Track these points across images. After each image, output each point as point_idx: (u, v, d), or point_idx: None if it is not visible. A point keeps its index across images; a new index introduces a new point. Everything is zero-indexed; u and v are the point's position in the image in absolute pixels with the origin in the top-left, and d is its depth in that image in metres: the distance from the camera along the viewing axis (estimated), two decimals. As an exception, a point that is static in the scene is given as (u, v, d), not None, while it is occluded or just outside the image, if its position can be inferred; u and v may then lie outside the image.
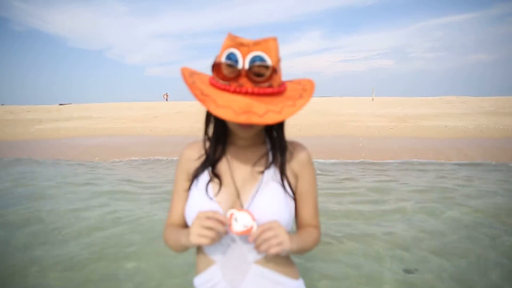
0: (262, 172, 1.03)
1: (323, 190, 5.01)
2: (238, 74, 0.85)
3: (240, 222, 0.91)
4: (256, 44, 0.85)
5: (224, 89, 0.86)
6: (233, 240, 1.00)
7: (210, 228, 0.88)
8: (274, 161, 1.05)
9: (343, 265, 2.83)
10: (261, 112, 0.79)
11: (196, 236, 0.89)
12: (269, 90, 0.87)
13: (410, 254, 3.03)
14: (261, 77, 0.85)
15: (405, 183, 5.53)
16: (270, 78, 0.86)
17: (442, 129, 11.92)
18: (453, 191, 4.99)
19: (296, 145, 1.10)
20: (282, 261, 1.06)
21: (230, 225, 0.91)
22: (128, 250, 3.16)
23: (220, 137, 1.08)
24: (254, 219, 0.91)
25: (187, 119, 15.62)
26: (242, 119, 0.79)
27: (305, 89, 0.91)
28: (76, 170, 7.25)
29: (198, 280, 1.09)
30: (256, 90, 0.85)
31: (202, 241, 0.88)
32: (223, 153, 1.08)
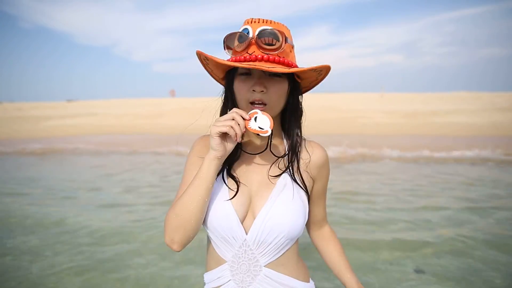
0: (279, 176, 1.03)
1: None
2: (249, 44, 0.91)
3: (258, 122, 0.92)
4: (267, 22, 0.94)
5: (235, 60, 0.92)
6: (246, 244, 1.00)
7: (231, 119, 0.90)
8: (290, 165, 1.05)
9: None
10: (268, 66, 0.87)
11: (216, 126, 0.90)
12: (278, 58, 0.91)
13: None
14: (271, 46, 0.90)
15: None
16: (279, 47, 0.91)
17: (455, 126, 11.59)
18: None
19: (314, 146, 1.11)
20: (293, 264, 1.07)
21: (248, 120, 0.93)
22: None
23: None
24: (271, 127, 0.92)
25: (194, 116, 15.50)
26: (248, 65, 0.85)
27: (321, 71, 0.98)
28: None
29: (207, 277, 1.09)
30: (266, 56, 0.90)
31: (221, 129, 0.89)
32: (240, 153, 1.07)
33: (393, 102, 21.08)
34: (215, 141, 0.91)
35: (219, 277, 1.05)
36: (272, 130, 0.95)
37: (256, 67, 0.85)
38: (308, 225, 1.21)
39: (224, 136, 0.92)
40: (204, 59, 0.99)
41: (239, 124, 0.90)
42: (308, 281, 1.14)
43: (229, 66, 0.99)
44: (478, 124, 11.77)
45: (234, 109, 0.93)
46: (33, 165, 7.74)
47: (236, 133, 0.90)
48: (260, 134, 0.92)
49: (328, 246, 1.20)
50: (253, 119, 0.93)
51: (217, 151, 0.92)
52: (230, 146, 0.95)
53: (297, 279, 1.07)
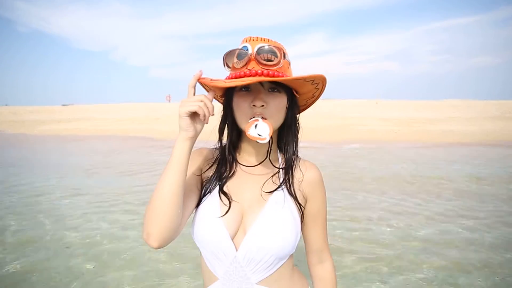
0: (271, 193, 1.02)
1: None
2: (248, 60, 0.93)
3: (258, 129, 0.94)
4: (265, 40, 0.97)
5: (235, 77, 0.93)
6: (236, 260, 0.98)
7: (199, 101, 0.90)
8: (283, 182, 1.04)
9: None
10: (266, 79, 0.89)
11: (184, 106, 0.89)
12: (278, 74, 0.92)
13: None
14: (270, 62, 0.92)
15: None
16: (278, 63, 0.93)
17: (448, 134, 11.76)
18: None
19: (308, 165, 1.09)
20: (287, 279, 1.04)
21: (247, 128, 0.94)
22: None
23: (233, 152, 1.08)
24: (270, 134, 0.94)
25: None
26: (249, 81, 0.86)
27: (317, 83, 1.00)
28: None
29: None
30: (265, 72, 0.91)
31: (190, 108, 0.89)
32: (236, 168, 1.07)
33: (388, 109, 21.31)
34: (185, 121, 0.90)
35: None
36: (271, 138, 0.95)
37: (258, 80, 0.87)
38: (306, 253, 1.17)
39: (193, 116, 0.91)
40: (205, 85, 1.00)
41: (207, 107, 0.90)
42: None
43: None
44: (470, 132, 11.94)
45: (202, 94, 0.94)
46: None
47: (205, 113, 0.90)
48: (258, 141, 0.93)
49: None
50: (253, 126, 0.94)
51: (188, 132, 0.91)
52: (199, 127, 0.94)
53: None
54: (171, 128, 13.90)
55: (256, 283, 0.99)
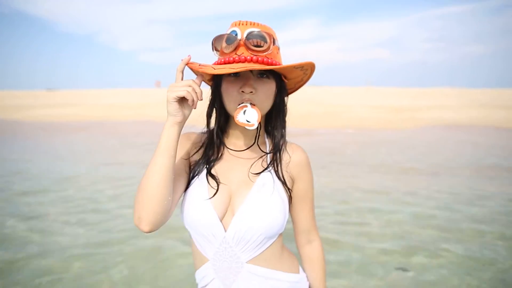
0: (258, 174, 1.04)
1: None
2: (237, 45, 0.92)
3: (247, 115, 0.94)
4: (254, 24, 0.96)
5: (224, 62, 0.92)
6: (225, 241, 1.00)
7: (188, 86, 0.90)
8: (271, 163, 1.06)
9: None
10: (258, 67, 0.88)
11: (173, 91, 0.89)
12: (267, 60, 0.92)
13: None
14: (259, 48, 0.91)
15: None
16: (267, 49, 0.92)
17: (438, 121, 11.93)
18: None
19: (295, 148, 1.11)
20: (277, 257, 1.07)
21: (236, 114, 0.94)
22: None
23: (221, 136, 1.09)
24: (259, 121, 0.94)
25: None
26: (239, 68, 0.85)
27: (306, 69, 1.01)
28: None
29: (196, 276, 1.11)
30: (254, 58, 0.90)
31: (179, 93, 0.88)
32: (222, 153, 1.08)
33: (379, 96, 21.44)
34: (173, 106, 0.89)
35: (204, 276, 1.06)
36: (259, 124, 0.96)
37: (248, 68, 0.86)
38: (295, 234, 1.20)
39: (181, 101, 0.91)
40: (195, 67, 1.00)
41: (196, 92, 0.90)
42: (298, 272, 1.14)
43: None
44: (458, 119, 12.15)
45: (190, 79, 0.93)
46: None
47: (193, 98, 0.90)
48: (246, 127, 0.93)
49: (312, 268, 1.19)
50: (242, 112, 0.94)
51: (176, 117, 0.91)
52: (187, 112, 0.93)
53: (283, 271, 1.08)
54: (163, 114, 13.69)
55: (246, 262, 1.02)
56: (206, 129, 1.10)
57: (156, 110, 14.97)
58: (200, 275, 1.08)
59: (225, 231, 1.00)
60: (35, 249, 2.87)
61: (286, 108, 1.09)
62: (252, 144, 1.08)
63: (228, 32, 0.95)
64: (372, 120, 12.18)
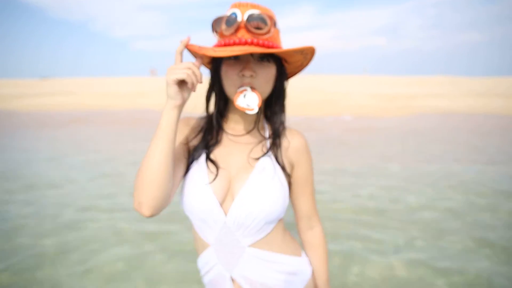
0: (258, 159, 1.04)
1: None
2: (237, 28, 0.90)
3: (247, 99, 0.93)
4: (254, 6, 0.93)
5: (224, 45, 0.91)
6: (226, 226, 1.00)
7: (188, 68, 0.88)
8: (271, 148, 1.06)
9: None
10: (259, 50, 0.87)
11: (172, 74, 0.87)
12: (268, 43, 0.91)
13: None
14: (260, 30, 0.90)
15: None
16: (268, 32, 0.91)
17: (433, 109, 11.98)
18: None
19: (294, 132, 1.11)
20: (278, 241, 1.08)
21: (236, 98, 0.94)
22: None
23: (220, 120, 1.08)
24: (259, 105, 0.94)
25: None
26: (240, 51, 0.84)
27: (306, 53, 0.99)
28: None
29: (199, 262, 1.11)
30: (255, 41, 0.90)
31: (179, 76, 0.87)
32: (221, 138, 1.08)
33: (375, 84, 21.41)
34: (173, 89, 0.88)
35: (206, 262, 1.06)
36: (259, 109, 0.95)
37: (249, 51, 0.85)
38: (296, 220, 1.21)
39: (180, 84, 0.90)
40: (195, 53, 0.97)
41: (196, 75, 0.89)
42: (300, 255, 1.15)
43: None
44: (454, 108, 12.20)
45: (190, 62, 0.91)
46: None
47: (193, 81, 0.89)
48: (247, 111, 0.93)
49: (314, 254, 1.20)
50: (242, 96, 0.93)
51: (176, 100, 0.89)
52: (186, 95, 0.92)
53: (285, 254, 1.09)
54: (160, 102, 13.58)
55: (248, 246, 1.03)
56: (205, 114, 1.09)
57: (153, 99, 14.79)
58: (203, 261, 1.08)
59: (225, 216, 1.00)
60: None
61: (286, 93, 1.08)
62: (251, 129, 1.07)
63: (228, 13, 0.93)
64: (370, 108, 12.19)
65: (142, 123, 10.11)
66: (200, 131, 1.09)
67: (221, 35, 0.93)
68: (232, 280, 1.05)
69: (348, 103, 13.32)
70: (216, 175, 1.00)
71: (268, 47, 0.91)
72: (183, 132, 1.07)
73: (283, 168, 1.05)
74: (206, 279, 1.12)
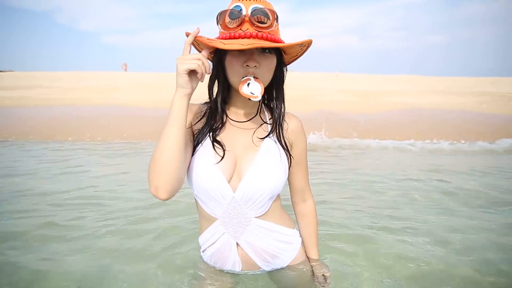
0: (262, 139, 1.11)
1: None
2: (242, 21, 0.94)
3: (251, 88, 0.97)
4: (257, 0, 0.97)
5: (230, 37, 0.94)
6: (234, 201, 1.07)
7: (197, 59, 0.91)
8: (274, 129, 1.13)
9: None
10: (267, 45, 0.91)
11: (184, 64, 0.90)
12: (271, 36, 0.95)
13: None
14: (263, 24, 0.94)
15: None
16: (271, 25, 0.95)
17: (400, 105, 12.64)
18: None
19: (291, 116, 1.19)
20: (277, 214, 1.20)
21: (240, 86, 0.98)
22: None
23: (223, 106, 1.13)
24: (262, 93, 0.98)
25: (150, 91, 14.84)
26: (249, 45, 0.87)
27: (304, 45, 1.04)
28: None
29: (202, 238, 1.18)
30: (259, 34, 0.93)
31: (190, 66, 0.90)
32: (225, 121, 1.13)
33: (347, 82, 22.11)
34: (184, 78, 0.91)
35: (213, 234, 1.13)
36: (262, 97, 1.03)
37: (258, 45, 0.90)
38: (291, 194, 1.30)
39: (190, 74, 0.93)
40: (197, 44, 1.02)
41: (205, 66, 0.92)
42: (294, 228, 1.27)
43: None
44: (419, 104, 12.94)
45: (199, 53, 0.95)
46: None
47: (202, 72, 0.92)
48: (251, 98, 0.98)
49: (306, 222, 1.29)
50: (246, 84, 0.98)
51: (186, 89, 0.93)
52: (195, 85, 0.96)
53: (284, 225, 1.20)
54: (135, 97, 13.19)
55: (254, 217, 1.12)
56: (208, 101, 1.15)
57: (126, 94, 14.35)
58: (209, 234, 1.14)
59: (233, 192, 1.07)
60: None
61: (285, 80, 1.16)
62: (254, 114, 1.15)
63: (232, 6, 0.97)
64: (343, 103, 12.65)
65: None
66: (203, 116, 1.15)
67: (225, 27, 0.97)
68: (237, 245, 1.13)
69: (321, 99, 13.72)
70: (223, 156, 1.06)
71: (272, 40, 0.96)
72: (188, 117, 1.11)
73: (286, 148, 1.13)
74: (209, 252, 1.18)
